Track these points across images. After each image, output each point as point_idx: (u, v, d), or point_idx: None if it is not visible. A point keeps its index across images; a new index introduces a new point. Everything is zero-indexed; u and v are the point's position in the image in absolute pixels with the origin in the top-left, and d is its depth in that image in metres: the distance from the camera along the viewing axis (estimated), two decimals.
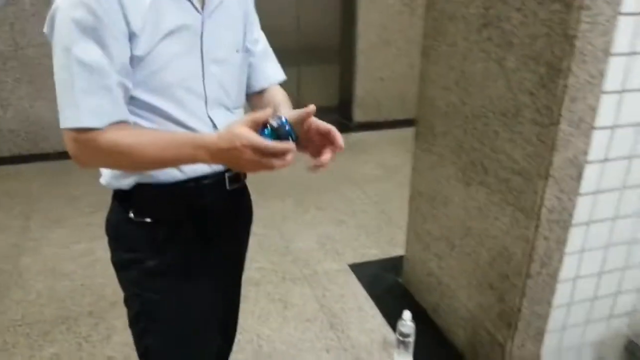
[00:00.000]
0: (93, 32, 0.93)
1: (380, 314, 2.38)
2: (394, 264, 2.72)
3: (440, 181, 2.16)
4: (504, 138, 1.74)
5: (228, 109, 1.18)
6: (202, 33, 1.07)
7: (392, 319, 2.32)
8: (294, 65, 4.91)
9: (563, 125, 1.52)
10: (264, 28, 1.37)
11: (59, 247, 2.87)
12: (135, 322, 1.21)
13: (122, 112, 0.99)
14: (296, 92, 5.05)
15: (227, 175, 1.18)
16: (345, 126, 5.09)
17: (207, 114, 1.12)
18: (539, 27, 1.52)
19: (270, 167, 0.91)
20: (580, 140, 1.56)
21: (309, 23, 4.80)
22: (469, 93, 1.91)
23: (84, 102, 0.94)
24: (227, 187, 1.20)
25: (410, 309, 2.32)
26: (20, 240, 2.93)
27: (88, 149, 0.98)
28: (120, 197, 1.14)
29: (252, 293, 2.51)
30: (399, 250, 2.86)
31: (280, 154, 0.90)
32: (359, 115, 5.00)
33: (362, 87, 4.88)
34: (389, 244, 2.97)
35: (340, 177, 3.88)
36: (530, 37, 1.57)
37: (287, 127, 0.92)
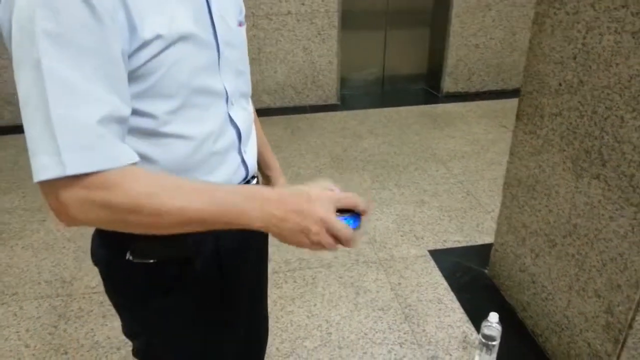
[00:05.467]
0: (86, 34, 0.66)
1: (462, 309, 2.18)
2: (480, 253, 2.49)
3: (544, 169, 1.89)
4: (633, 126, 1.45)
5: (245, 96, 0.99)
6: (210, 12, 0.84)
7: (475, 315, 2.13)
8: (381, 29, 4.64)
9: None
10: None
11: None
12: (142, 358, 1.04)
13: (128, 150, 0.72)
14: (382, 58, 4.79)
15: None
16: (433, 96, 4.79)
17: (228, 113, 0.91)
18: None
19: (321, 249, 0.74)
20: None
21: None
22: (589, 70, 1.61)
23: (74, 138, 0.66)
24: None
25: (496, 306, 2.12)
26: None
27: (89, 203, 0.67)
28: (113, 238, 0.87)
29: (322, 275, 2.39)
30: (485, 238, 2.62)
31: (343, 242, 0.73)
32: (448, 85, 4.68)
33: (455, 54, 4.53)
34: (474, 230, 2.72)
35: (423, 152, 3.64)
36: None
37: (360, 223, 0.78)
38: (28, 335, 2.07)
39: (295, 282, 2.34)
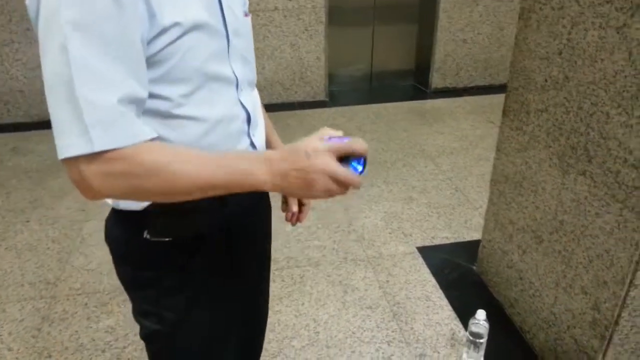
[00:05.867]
0: (109, 22, 0.71)
1: (450, 306, 2.18)
2: (468, 250, 2.49)
3: (531, 165, 1.88)
4: (618, 122, 1.44)
5: (252, 84, 1.04)
6: (220, 3, 0.89)
7: (463, 312, 2.13)
8: (368, 25, 4.62)
9: None
10: None
11: None
12: (151, 340, 1.07)
13: (146, 128, 0.77)
14: (370, 54, 4.77)
15: None
16: (421, 92, 4.78)
17: (238, 98, 0.96)
18: None
19: (333, 195, 0.80)
20: None
21: None
22: (575, 66, 1.60)
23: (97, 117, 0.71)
24: None
25: (483, 302, 2.11)
26: (88, 205, 2.90)
27: (110, 176, 0.73)
28: (130, 218, 0.94)
29: (310, 273, 2.37)
30: (474, 235, 2.61)
31: (350, 185, 0.79)
32: (436, 81, 4.67)
33: (442, 49, 4.52)
34: (462, 226, 2.72)
35: (411, 148, 3.63)
36: None
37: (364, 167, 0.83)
38: (11, 339, 2.04)
39: (283, 280, 2.33)
